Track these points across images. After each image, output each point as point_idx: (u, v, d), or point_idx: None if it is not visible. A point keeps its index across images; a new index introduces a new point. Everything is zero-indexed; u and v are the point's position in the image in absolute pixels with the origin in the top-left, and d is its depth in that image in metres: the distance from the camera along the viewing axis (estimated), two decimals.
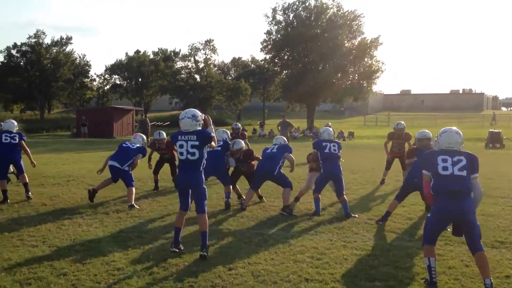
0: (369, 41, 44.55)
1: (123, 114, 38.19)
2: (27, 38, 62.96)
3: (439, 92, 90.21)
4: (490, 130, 26.20)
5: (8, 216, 7.20)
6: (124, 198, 8.50)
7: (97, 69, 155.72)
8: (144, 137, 9.47)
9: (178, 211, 5.47)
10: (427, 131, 7.70)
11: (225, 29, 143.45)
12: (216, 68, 68.93)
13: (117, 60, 69.15)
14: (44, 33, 63.52)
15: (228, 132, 8.91)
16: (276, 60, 49.47)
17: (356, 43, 45.31)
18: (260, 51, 49.23)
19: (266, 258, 5.18)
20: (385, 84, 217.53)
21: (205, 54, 62.64)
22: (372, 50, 44.74)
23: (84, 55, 69.01)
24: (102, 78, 70.22)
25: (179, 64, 66.22)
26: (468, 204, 4.31)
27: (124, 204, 8.03)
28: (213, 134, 5.27)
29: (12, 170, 9.25)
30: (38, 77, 60.56)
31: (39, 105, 64.22)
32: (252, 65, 71.20)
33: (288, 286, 4.39)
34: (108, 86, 70.58)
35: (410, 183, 6.93)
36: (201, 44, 61.69)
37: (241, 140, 8.61)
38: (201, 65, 62.67)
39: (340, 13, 45.22)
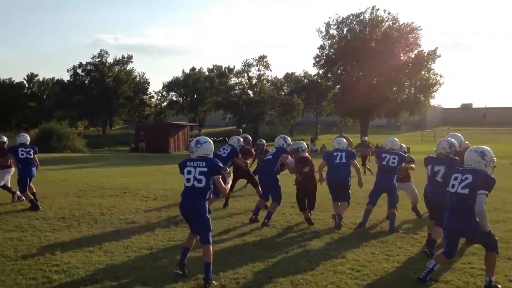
0: (426, 53, 43.52)
1: (179, 130, 39.41)
2: (91, 58, 66.76)
3: (503, 105, 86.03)
4: None
5: (68, 224, 7.75)
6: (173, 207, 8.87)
7: (155, 86, 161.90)
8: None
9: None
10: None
11: (279, 44, 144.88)
12: (269, 84, 69.70)
13: (174, 77, 71.75)
14: (107, 53, 67.08)
15: (288, 139, 8.52)
16: (329, 75, 49.38)
17: (412, 56, 44.38)
18: (313, 66, 49.39)
19: (306, 268, 5.30)
20: (444, 98, 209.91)
21: (258, 70, 63.64)
22: (430, 63, 43.65)
23: (144, 73, 71.98)
24: (160, 95, 72.93)
25: (233, 80, 67.65)
26: (470, 222, 4.31)
27: (173, 214, 8.40)
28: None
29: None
30: (101, 94, 63.76)
31: (102, 121, 67.58)
32: (305, 80, 71.34)
33: None
34: (165, 103, 73.10)
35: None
36: (255, 60, 62.72)
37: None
38: (254, 81, 63.65)
39: (396, 26, 44.55)
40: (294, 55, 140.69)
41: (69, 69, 66.38)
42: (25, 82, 75.78)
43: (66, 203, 9.81)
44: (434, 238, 5.93)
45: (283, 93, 70.26)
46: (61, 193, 11.20)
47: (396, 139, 7.81)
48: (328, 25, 46.30)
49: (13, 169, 9.71)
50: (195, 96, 69.09)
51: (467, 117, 78.88)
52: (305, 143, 8.06)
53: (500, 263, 5.40)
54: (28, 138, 9.72)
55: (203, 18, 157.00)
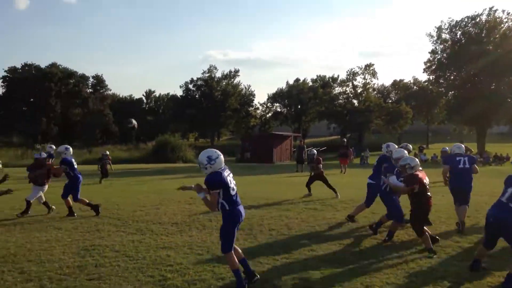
0: None
1: (282, 140, 40.16)
2: (202, 73, 70.88)
3: None
4: None
5: (180, 229, 8.46)
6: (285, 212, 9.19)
7: (260, 98, 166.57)
8: None
9: None
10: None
11: (386, 51, 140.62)
12: (375, 92, 68.04)
13: (278, 88, 73.23)
14: (215, 68, 70.77)
15: (392, 145, 8.39)
16: (441, 81, 47.05)
17: None
18: (423, 72, 47.42)
19: (405, 279, 5.27)
20: None
21: (364, 78, 62.47)
22: None
23: (249, 86, 74.61)
24: (265, 106, 74.86)
25: (337, 89, 67.18)
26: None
27: (275, 220, 8.74)
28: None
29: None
30: (210, 107, 67.28)
31: (210, 133, 71.21)
32: (414, 87, 68.44)
33: None
34: (270, 114, 74.84)
35: None
36: (360, 69, 61.69)
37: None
38: (360, 90, 62.56)
39: None
40: (403, 61, 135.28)
41: (181, 85, 71.20)
42: (143, 98, 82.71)
43: (178, 209, 10.67)
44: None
45: (390, 101, 68.11)
46: (174, 201, 12.17)
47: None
48: (439, 29, 44.25)
49: (46, 187, 10.25)
50: (299, 106, 69.78)
51: None
52: (413, 158, 6.72)
53: None
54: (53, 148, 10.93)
55: (306, 29, 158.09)
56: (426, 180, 6.42)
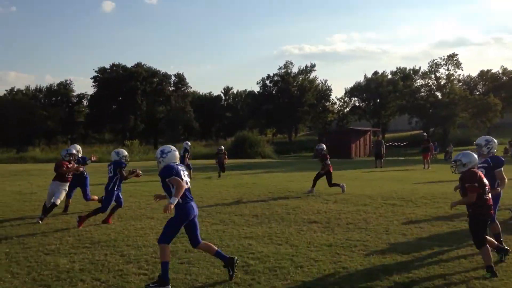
0: None
1: (361, 135, 39.58)
2: (278, 69, 71.43)
3: None
4: None
5: (260, 221, 8.90)
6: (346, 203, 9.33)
7: (337, 92, 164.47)
8: None
9: None
10: None
11: (470, 40, 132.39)
12: (460, 84, 64.50)
13: (356, 82, 71.80)
14: (292, 63, 70.94)
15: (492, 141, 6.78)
16: None
17: None
18: None
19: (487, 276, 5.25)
20: None
21: (447, 69, 59.48)
22: None
23: (326, 80, 73.97)
24: (342, 101, 73.75)
25: (419, 82, 64.50)
26: None
27: (348, 215, 8.89)
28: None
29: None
30: (287, 103, 67.67)
31: (287, 128, 71.66)
32: (504, 77, 63.95)
33: None
34: (347, 109, 73.62)
35: None
36: (443, 60, 58.79)
37: None
38: (443, 82, 59.65)
39: None
40: (490, 51, 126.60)
41: (258, 81, 72.23)
42: (222, 95, 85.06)
43: (258, 203, 11.15)
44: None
45: (477, 93, 64.25)
46: (254, 194, 12.70)
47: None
48: None
49: (67, 184, 9.56)
50: (378, 100, 67.98)
51: None
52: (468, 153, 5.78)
53: None
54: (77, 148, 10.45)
55: (383, 20, 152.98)
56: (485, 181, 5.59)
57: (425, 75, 61.05)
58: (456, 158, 5.78)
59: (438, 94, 59.87)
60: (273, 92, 71.49)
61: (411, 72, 66.71)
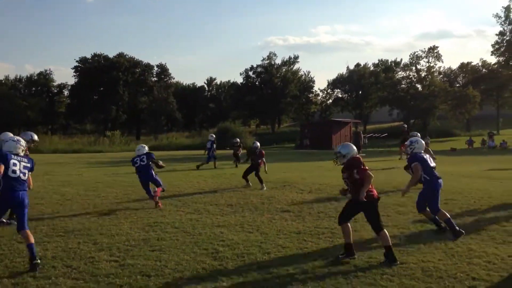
0: None
1: (341, 127, 39.98)
2: (261, 60, 71.50)
3: None
4: None
5: (234, 210, 9.11)
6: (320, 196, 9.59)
7: (320, 84, 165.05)
8: None
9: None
10: None
11: (452, 33, 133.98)
12: (441, 76, 65.42)
13: (338, 74, 72.25)
14: (275, 55, 71.03)
15: None
16: (511, 63, 44.49)
17: None
18: (491, 55, 45.16)
19: (441, 258, 5.55)
20: None
21: (428, 62, 60.28)
22: None
23: (309, 72, 74.25)
24: (325, 92, 74.21)
25: (400, 74, 65.27)
26: None
27: (321, 204, 9.15)
28: None
29: None
30: (270, 94, 67.87)
31: (271, 120, 71.91)
32: (484, 70, 64.99)
33: (453, 281, 4.78)
34: (330, 100, 74.12)
35: None
36: (423, 52, 59.55)
37: None
38: (424, 74, 60.46)
39: None
40: (471, 43, 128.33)
41: (241, 72, 72.22)
42: (205, 85, 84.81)
43: (234, 193, 11.34)
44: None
45: (458, 85, 65.24)
46: (231, 185, 12.89)
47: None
48: (508, 9, 41.81)
49: None
50: (360, 92, 68.59)
51: None
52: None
53: None
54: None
55: (367, 11, 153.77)
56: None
57: (406, 67, 61.87)
58: (336, 151, 6.18)
59: (419, 86, 60.78)
60: (257, 83, 71.59)
61: (393, 64, 67.41)
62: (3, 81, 67.77)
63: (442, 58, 61.23)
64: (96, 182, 13.72)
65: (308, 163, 21.77)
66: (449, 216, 6.70)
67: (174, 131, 68.41)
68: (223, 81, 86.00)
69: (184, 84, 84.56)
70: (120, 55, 69.13)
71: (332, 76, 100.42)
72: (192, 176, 15.68)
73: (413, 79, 61.60)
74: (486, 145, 38.22)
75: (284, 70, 71.39)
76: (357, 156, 5.90)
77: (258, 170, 12.80)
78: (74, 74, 68.66)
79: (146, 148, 10.79)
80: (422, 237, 6.71)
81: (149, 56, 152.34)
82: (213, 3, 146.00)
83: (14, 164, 5.62)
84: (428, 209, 6.90)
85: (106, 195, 11.07)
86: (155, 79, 73.95)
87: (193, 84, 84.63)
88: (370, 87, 66.68)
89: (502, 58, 44.58)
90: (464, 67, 68.90)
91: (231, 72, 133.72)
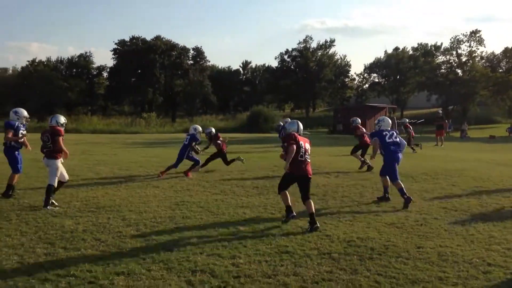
0: None
1: (376, 112, 39.37)
2: (297, 44, 70.92)
3: None
4: None
5: (260, 192, 9.28)
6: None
7: (357, 68, 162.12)
8: None
9: None
10: None
11: (498, 16, 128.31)
12: (483, 61, 63.03)
13: (376, 58, 70.80)
14: (311, 38, 70.41)
15: None
16: None
17: None
18: None
19: (459, 244, 5.55)
20: None
21: (469, 46, 58.17)
22: None
23: (345, 56, 73.23)
24: (362, 77, 73.00)
25: (440, 58, 63.27)
26: None
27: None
28: None
29: None
30: (304, 78, 67.36)
31: (305, 104, 71.49)
32: None
33: (467, 266, 4.79)
34: (367, 85, 72.91)
35: None
36: (465, 36, 57.45)
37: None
38: (464, 59, 58.43)
39: None
40: None
41: (276, 56, 71.82)
42: (240, 69, 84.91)
43: (262, 175, 11.51)
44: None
45: (500, 70, 62.72)
46: (260, 167, 13.06)
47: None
48: None
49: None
50: (398, 76, 67.07)
51: None
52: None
53: None
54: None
55: None
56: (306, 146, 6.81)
57: (446, 51, 59.88)
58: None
59: (459, 71, 58.79)
60: (292, 67, 71.12)
61: (433, 48, 65.42)
62: (45, 63, 69.95)
63: (485, 42, 58.85)
64: (129, 162, 14.20)
65: (338, 147, 21.70)
66: (402, 186, 8.03)
67: (208, 114, 69.07)
68: (258, 64, 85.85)
69: (219, 67, 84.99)
70: (157, 38, 69.96)
71: (370, 60, 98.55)
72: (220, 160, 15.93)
73: (453, 63, 59.62)
74: None
75: (319, 54, 70.56)
76: (293, 133, 6.81)
77: (225, 157, 12.75)
78: (113, 56, 70.12)
79: (199, 128, 12.07)
80: (444, 223, 6.69)
81: (186, 39, 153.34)
82: None
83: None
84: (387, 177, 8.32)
85: (138, 174, 11.48)
86: (191, 62, 74.56)
87: (228, 67, 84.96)
88: (408, 72, 65.08)
89: None
90: (508, 52, 66.02)
91: (267, 56, 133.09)
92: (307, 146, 6.82)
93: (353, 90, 73.95)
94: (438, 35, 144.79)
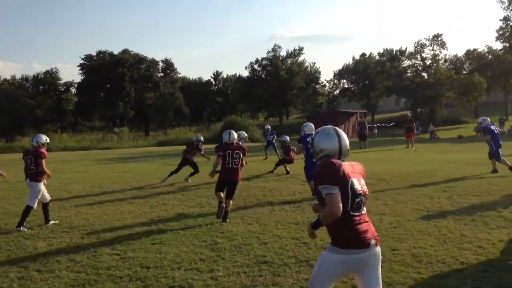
0: None
1: (348, 117, 39.99)
2: (267, 53, 71.42)
3: None
4: None
5: (236, 203, 9.27)
6: None
7: (327, 75, 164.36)
8: None
9: None
10: None
11: (458, 19, 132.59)
12: (446, 63, 64.93)
13: (344, 64, 72.01)
14: (279, 47, 70.98)
15: None
16: None
17: None
18: (496, 40, 44.76)
19: (432, 244, 5.68)
20: None
21: (432, 50, 59.82)
22: None
23: (314, 63, 74.14)
24: (332, 83, 74.04)
25: (406, 63, 64.90)
26: None
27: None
28: None
29: None
30: (276, 87, 67.85)
31: (278, 112, 71.93)
32: (490, 56, 64.32)
33: (441, 266, 4.91)
34: (337, 91, 73.98)
35: None
36: (428, 40, 59.09)
37: None
38: (429, 62, 60.04)
39: None
40: (476, 29, 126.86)
41: (247, 66, 72.20)
42: (212, 79, 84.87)
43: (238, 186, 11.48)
44: None
45: (464, 72, 64.68)
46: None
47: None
48: None
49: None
50: (366, 82, 68.36)
51: None
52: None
53: None
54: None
55: (370, 2, 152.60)
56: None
57: (411, 55, 61.45)
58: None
59: (424, 74, 60.38)
60: (262, 76, 71.56)
61: (398, 53, 67.00)
62: (10, 81, 68.30)
63: (447, 45, 60.64)
64: (102, 178, 13.98)
65: None
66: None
67: (182, 126, 68.64)
68: (229, 74, 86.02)
69: (190, 78, 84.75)
70: (125, 52, 69.32)
71: (339, 67, 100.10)
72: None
73: (418, 67, 61.20)
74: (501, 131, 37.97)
75: (289, 62, 71.26)
76: (229, 142, 8.05)
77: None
78: (80, 71, 69.07)
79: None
80: (417, 224, 6.83)
81: (154, 51, 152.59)
82: None
83: None
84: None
85: (111, 191, 11.31)
86: (161, 74, 74.12)
87: (199, 78, 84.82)
88: (376, 77, 66.44)
89: (507, 44, 44.09)
90: (470, 53, 68.23)
91: (238, 65, 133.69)
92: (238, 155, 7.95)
93: (324, 96, 74.87)
94: (401, 41, 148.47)
